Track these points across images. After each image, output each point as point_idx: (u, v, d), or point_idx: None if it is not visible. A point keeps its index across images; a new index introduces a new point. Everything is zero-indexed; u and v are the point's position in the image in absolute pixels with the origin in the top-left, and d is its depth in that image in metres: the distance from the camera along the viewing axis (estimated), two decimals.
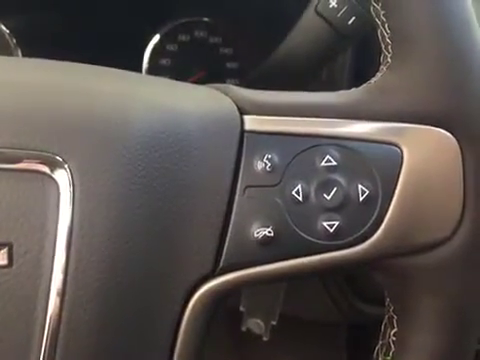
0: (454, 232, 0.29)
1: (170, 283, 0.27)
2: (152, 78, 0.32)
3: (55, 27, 0.59)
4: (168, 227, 0.27)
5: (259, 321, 0.55)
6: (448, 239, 0.29)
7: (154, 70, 0.62)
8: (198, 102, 0.30)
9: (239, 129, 0.29)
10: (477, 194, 0.29)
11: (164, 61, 0.62)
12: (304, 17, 0.46)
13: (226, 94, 0.31)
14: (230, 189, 0.29)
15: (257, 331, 0.55)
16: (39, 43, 0.55)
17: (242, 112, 0.30)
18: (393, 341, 0.31)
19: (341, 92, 0.31)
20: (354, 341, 0.67)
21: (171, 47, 0.62)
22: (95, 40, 0.58)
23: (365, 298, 0.60)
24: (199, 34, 0.62)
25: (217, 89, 0.32)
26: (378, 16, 0.31)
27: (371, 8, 0.32)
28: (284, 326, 0.53)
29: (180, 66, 0.62)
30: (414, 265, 0.29)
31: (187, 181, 0.28)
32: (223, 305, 0.29)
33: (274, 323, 0.55)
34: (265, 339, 0.55)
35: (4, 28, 0.59)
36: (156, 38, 0.62)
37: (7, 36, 0.59)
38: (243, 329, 0.55)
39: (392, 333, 0.31)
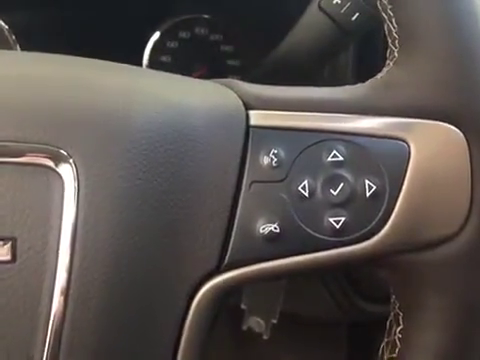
0: (462, 228, 0.29)
1: (175, 279, 0.27)
2: (156, 72, 0.32)
3: (54, 24, 0.58)
4: (173, 222, 0.27)
5: (260, 319, 0.55)
6: (456, 235, 0.29)
7: (154, 67, 0.61)
8: (203, 97, 0.30)
9: (244, 124, 0.29)
10: None
11: (164, 58, 0.62)
12: (307, 13, 0.46)
13: (231, 89, 0.31)
14: (236, 184, 0.28)
15: (257, 329, 0.55)
16: (38, 39, 0.55)
17: (247, 107, 0.30)
18: (399, 338, 0.30)
19: (347, 87, 0.31)
20: (355, 340, 0.67)
21: (171, 44, 0.62)
22: (95, 37, 0.58)
23: (367, 296, 0.60)
24: (200, 31, 0.62)
25: (222, 84, 0.32)
26: (385, 10, 0.31)
27: (377, 2, 0.31)
28: (285, 325, 0.53)
29: (181, 63, 0.62)
30: (421, 261, 0.29)
31: (192, 176, 0.28)
32: (226, 302, 0.29)
33: (275, 321, 0.54)
34: (265, 338, 0.55)
35: (3, 24, 0.58)
36: (156, 35, 0.61)
37: (6, 32, 0.58)
38: (244, 328, 0.55)
39: (398, 330, 0.31)
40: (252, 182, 0.28)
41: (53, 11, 0.58)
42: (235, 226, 0.28)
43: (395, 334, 0.31)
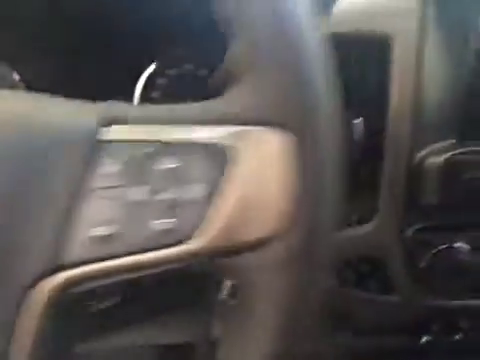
0: (286, 231, 0.28)
1: (8, 278, 0.29)
2: (13, 93, 0.35)
3: (57, 74, 0.65)
4: (11, 226, 0.30)
5: None
6: (280, 237, 0.28)
7: (146, 103, 0.65)
8: (56, 115, 0.32)
9: (91, 139, 0.31)
10: (310, 193, 0.29)
11: (155, 94, 0.66)
12: None
13: (100, 109, 0.33)
14: (75, 191, 0.30)
15: None
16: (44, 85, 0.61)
17: (106, 124, 0.32)
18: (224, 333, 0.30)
19: (207, 101, 0.33)
20: None
21: (161, 81, 0.66)
22: (93, 80, 0.63)
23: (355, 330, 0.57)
24: (187, 67, 0.66)
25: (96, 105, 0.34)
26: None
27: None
28: None
29: (170, 98, 0.66)
30: (245, 264, 0.29)
31: (35, 185, 0.30)
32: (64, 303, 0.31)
33: None
34: None
35: (15, 75, 0.66)
36: (147, 72, 0.66)
37: (17, 82, 0.66)
38: None
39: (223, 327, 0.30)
40: (93, 189, 0.30)
41: (57, 63, 0.65)
42: (70, 229, 0.30)
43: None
